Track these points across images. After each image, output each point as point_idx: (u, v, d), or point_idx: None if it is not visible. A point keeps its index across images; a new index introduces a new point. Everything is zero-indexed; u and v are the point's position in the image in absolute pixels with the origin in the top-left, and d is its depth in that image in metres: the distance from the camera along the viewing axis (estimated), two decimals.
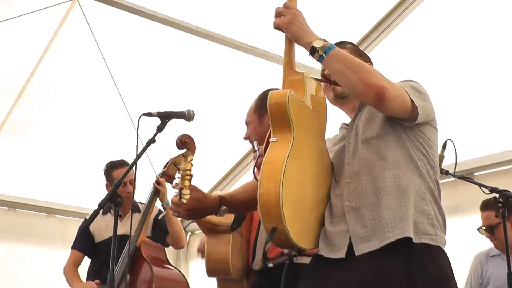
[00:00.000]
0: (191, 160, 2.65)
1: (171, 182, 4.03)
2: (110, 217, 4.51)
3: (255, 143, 2.18)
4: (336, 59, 2.17)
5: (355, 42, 5.17)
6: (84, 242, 4.56)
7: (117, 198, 2.85)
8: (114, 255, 2.83)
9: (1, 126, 5.60)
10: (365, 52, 3.67)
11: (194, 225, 7.05)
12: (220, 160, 6.61)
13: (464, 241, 4.61)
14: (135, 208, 4.53)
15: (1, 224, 6.17)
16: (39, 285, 6.05)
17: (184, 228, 7.08)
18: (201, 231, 7.06)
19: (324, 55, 2.17)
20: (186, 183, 2.55)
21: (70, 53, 5.26)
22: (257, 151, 2.21)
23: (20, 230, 6.22)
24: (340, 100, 2.46)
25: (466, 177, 3.80)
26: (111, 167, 4.58)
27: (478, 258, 4.34)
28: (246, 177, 6.51)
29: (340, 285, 2.14)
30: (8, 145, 5.77)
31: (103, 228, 4.51)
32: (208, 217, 2.94)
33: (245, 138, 3.36)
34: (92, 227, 4.50)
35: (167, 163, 4.16)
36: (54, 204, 6.40)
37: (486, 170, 4.92)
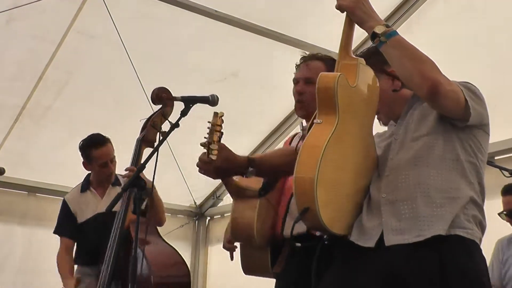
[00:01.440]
0: (222, 116, 2.58)
1: (152, 147, 3.65)
2: (90, 195, 4.41)
3: (302, 122, 2.20)
4: (395, 46, 2.15)
5: None
6: (70, 226, 4.39)
7: (140, 182, 2.84)
8: (137, 235, 2.82)
9: (21, 111, 5.62)
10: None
11: (213, 210, 7.08)
12: (239, 146, 6.60)
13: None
14: (115, 181, 4.41)
15: (21, 208, 6.22)
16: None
17: (203, 213, 7.13)
18: (220, 216, 7.16)
19: (384, 41, 2.15)
20: (215, 138, 2.50)
21: (89, 38, 5.26)
22: (303, 131, 2.22)
23: (40, 215, 6.25)
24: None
25: (487, 160, 3.78)
26: (91, 146, 4.37)
27: (500, 243, 4.32)
28: None
29: (367, 273, 2.15)
30: (27, 129, 5.80)
31: (83, 208, 4.37)
32: (237, 180, 2.89)
33: (300, 92, 3.06)
34: (74, 208, 4.40)
35: (145, 125, 3.73)
36: None
37: (507, 154, 4.89)
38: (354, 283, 2.18)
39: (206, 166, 2.54)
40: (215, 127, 2.50)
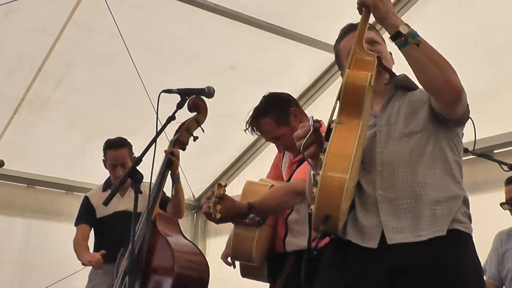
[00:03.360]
0: (226, 185, 2.83)
1: (183, 149, 3.85)
2: None
3: (311, 118, 2.13)
4: (420, 49, 2.08)
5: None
6: (88, 215, 4.52)
7: (137, 175, 2.85)
8: (134, 231, 2.84)
9: (20, 103, 5.62)
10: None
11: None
12: (237, 139, 6.61)
13: (483, 219, 4.59)
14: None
15: (20, 201, 6.23)
16: (57, 262, 6.10)
17: (201, 206, 7.13)
18: None
19: (409, 42, 2.08)
20: (218, 207, 2.78)
21: (88, 30, 5.26)
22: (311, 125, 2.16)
23: (39, 207, 6.28)
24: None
25: (485, 154, 3.78)
26: (106, 147, 4.57)
27: (499, 236, 4.33)
28: (264, 157, 6.51)
29: (373, 272, 2.13)
30: (26, 122, 5.80)
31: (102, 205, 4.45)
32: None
33: (282, 151, 3.42)
34: (95, 202, 4.51)
35: (179, 129, 3.83)
36: (73, 182, 6.44)
37: (506, 147, 4.89)
38: (361, 284, 2.16)
39: (210, 219, 2.85)
40: (218, 197, 2.79)
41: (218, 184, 2.81)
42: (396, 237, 2.12)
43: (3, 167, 4.93)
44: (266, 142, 6.46)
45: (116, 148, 4.52)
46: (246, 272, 3.36)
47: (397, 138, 2.25)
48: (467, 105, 2.19)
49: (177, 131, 3.83)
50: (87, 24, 5.19)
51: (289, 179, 3.25)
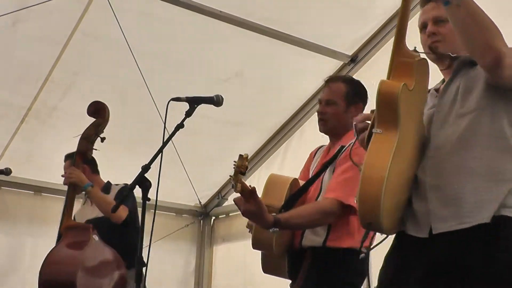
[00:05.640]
0: (247, 156, 2.82)
1: (87, 157, 4.08)
2: (87, 203, 4.69)
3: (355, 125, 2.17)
4: (464, 8, 1.97)
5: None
6: None
7: (146, 183, 2.87)
8: (142, 235, 2.85)
9: (27, 112, 5.65)
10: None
11: (218, 210, 7.10)
12: (244, 145, 6.63)
13: None
14: (105, 189, 4.63)
15: (28, 208, 6.25)
16: None
17: (208, 212, 7.15)
18: (225, 215, 7.17)
19: (449, 1, 1.97)
20: (239, 177, 2.76)
21: (95, 39, 5.29)
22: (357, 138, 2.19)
23: (46, 214, 6.29)
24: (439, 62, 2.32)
25: None
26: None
27: None
28: (270, 164, 6.52)
29: (420, 265, 2.11)
30: (33, 130, 5.83)
31: (81, 215, 4.67)
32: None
33: (322, 112, 3.35)
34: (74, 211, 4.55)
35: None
36: None
37: None
38: (403, 276, 2.15)
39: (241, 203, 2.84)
40: (240, 168, 2.75)
41: (240, 155, 2.77)
42: (440, 226, 2.07)
43: (11, 175, 4.97)
44: (273, 149, 6.48)
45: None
46: (268, 268, 3.36)
47: (452, 119, 2.16)
48: None
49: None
50: (94, 33, 5.23)
51: (316, 175, 3.26)
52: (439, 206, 2.09)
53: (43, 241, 6.21)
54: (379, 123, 2.04)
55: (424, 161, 2.18)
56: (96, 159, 4.75)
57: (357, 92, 3.42)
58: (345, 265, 3.11)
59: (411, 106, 2.09)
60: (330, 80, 3.43)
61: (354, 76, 5.78)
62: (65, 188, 6.22)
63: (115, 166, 5.53)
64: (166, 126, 3.03)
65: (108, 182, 4.77)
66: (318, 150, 3.55)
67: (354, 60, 5.68)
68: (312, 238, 3.16)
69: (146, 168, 2.90)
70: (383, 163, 1.98)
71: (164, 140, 2.97)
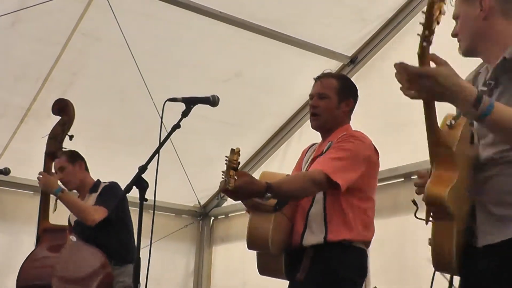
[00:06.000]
0: (239, 151, 2.78)
1: (57, 157, 4.13)
2: None
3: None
4: (497, 120, 1.89)
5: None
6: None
7: (143, 183, 2.87)
8: (140, 236, 2.85)
9: (27, 112, 5.66)
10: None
11: (217, 210, 7.10)
12: (244, 146, 6.63)
13: None
14: (93, 188, 4.66)
15: (27, 208, 6.24)
16: None
17: (207, 213, 7.15)
18: (224, 216, 7.18)
19: (489, 113, 1.86)
20: (231, 173, 2.73)
21: (94, 40, 5.29)
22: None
23: None
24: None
25: None
26: None
27: None
28: (269, 164, 6.52)
29: (477, 277, 2.10)
30: (33, 130, 5.83)
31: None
32: None
33: (314, 106, 3.37)
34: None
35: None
36: None
37: None
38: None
39: (225, 193, 2.85)
40: (232, 163, 2.73)
41: (231, 149, 2.76)
42: (484, 240, 2.05)
43: (9, 175, 4.98)
44: (272, 150, 6.48)
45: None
46: (264, 269, 3.33)
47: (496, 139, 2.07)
48: None
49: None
50: (93, 33, 5.23)
51: None
52: (483, 220, 2.07)
53: None
54: (428, 215, 2.07)
55: (474, 175, 2.12)
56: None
57: (348, 88, 3.46)
58: (346, 260, 3.15)
59: (460, 163, 2.05)
60: (321, 76, 3.45)
61: (353, 77, 5.82)
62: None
63: (113, 165, 5.54)
64: (165, 126, 3.03)
65: (98, 180, 4.79)
66: (310, 147, 3.57)
67: (354, 61, 5.70)
68: (313, 238, 3.17)
69: (143, 168, 2.90)
70: (450, 249, 2.05)
71: (161, 141, 2.97)
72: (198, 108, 3.11)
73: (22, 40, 5.13)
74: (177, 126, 2.98)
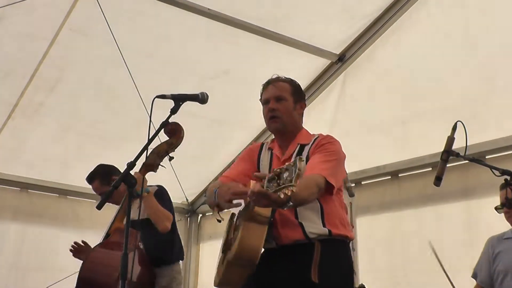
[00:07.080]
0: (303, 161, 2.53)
1: (153, 170, 4.02)
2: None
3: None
4: None
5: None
6: None
7: (131, 180, 2.87)
8: (127, 238, 2.84)
9: (14, 108, 5.64)
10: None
11: (204, 207, 7.11)
12: (230, 146, 6.63)
13: (474, 224, 4.61)
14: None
15: (14, 205, 6.24)
16: (50, 266, 6.11)
17: (195, 210, 7.16)
18: (211, 213, 7.16)
19: None
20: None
21: (82, 36, 5.27)
22: None
23: (32, 211, 6.29)
24: None
25: (477, 159, 3.78)
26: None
27: (490, 241, 4.34)
28: None
29: None
30: (20, 127, 5.81)
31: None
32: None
33: (274, 109, 3.33)
34: None
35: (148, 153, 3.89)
36: (66, 186, 6.47)
37: (498, 153, 4.90)
38: None
39: (255, 195, 2.60)
40: (300, 171, 2.45)
41: (299, 157, 2.48)
42: None
43: None
44: None
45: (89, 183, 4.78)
46: (226, 281, 3.18)
47: None
48: None
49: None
50: (81, 29, 5.21)
51: None
52: None
53: (27, 237, 6.23)
54: None
55: None
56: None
57: (300, 91, 3.46)
58: (349, 255, 3.21)
59: None
60: (272, 81, 3.44)
61: (342, 75, 5.86)
62: (49, 185, 6.32)
63: (102, 162, 5.50)
64: (154, 123, 3.02)
65: None
66: (261, 148, 3.49)
67: (342, 59, 5.71)
68: (314, 229, 3.12)
69: (131, 165, 2.90)
70: None
71: (150, 137, 2.97)
72: (186, 105, 3.11)
73: (9, 35, 5.11)
74: (165, 123, 2.98)
